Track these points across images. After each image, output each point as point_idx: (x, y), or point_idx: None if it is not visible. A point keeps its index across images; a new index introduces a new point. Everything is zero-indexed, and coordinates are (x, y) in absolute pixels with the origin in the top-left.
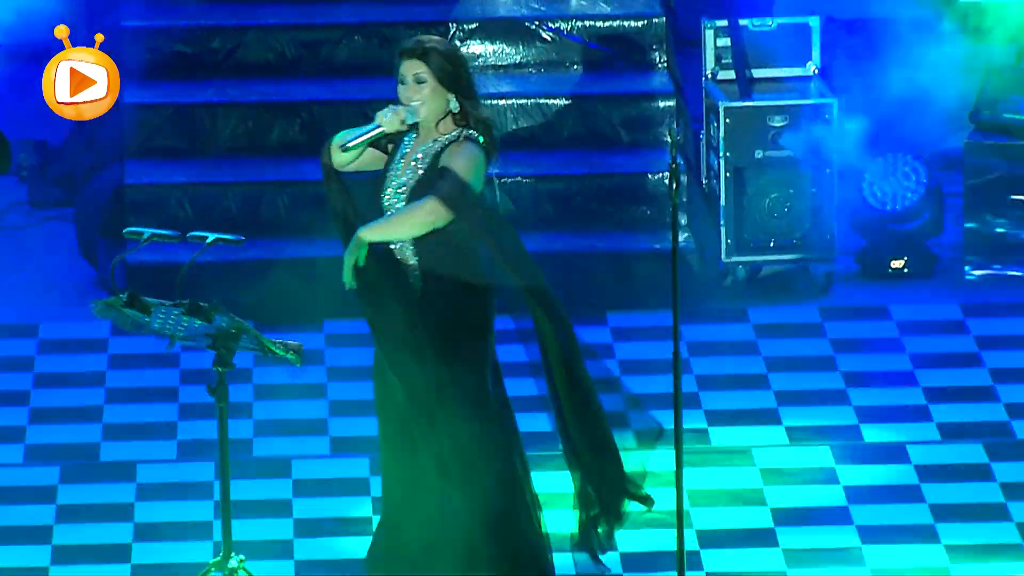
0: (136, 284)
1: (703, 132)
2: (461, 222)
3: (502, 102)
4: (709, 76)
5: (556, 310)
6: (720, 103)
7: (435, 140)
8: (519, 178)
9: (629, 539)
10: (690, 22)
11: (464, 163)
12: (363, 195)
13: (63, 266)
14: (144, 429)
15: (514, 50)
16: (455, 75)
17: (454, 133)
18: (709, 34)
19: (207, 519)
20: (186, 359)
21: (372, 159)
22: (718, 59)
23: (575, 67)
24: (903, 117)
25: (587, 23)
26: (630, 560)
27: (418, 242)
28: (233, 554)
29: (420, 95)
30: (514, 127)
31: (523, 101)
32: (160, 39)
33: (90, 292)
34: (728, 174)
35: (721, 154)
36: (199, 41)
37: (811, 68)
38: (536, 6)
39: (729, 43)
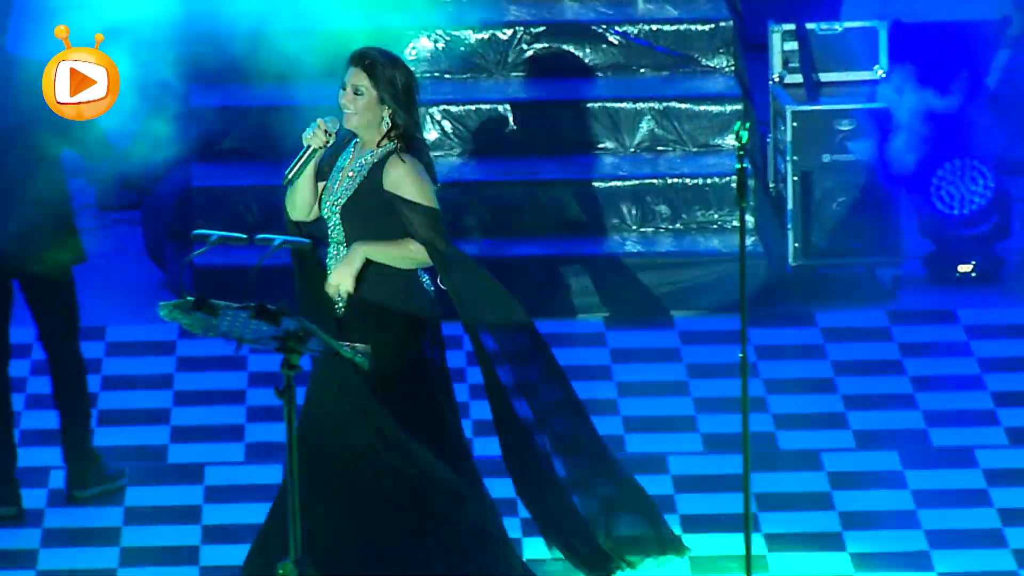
0: (204, 286)
1: (770, 136)
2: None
3: (567, 105)
4: (776, 80)
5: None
6: (787, 107)
7: (371, 152)
8: (587, 182)
9: (696, 542)
10: (757, 26)
11: (416, 189)
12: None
13: (131, 269)
14: (212, 431)
15: (581, 54)
16: (395, 93)
17: (389, 146)
18: (776, 38)
19: None
20: (253, 361)
21: None
22: (785, 63)
23: (642, 71)
24: (971, 121)
25: (654, 27)
26: (698, 563)
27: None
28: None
29: (355, 106)
30: (580, 131)
31: (590, 105)
32: (228, 42)
33: (158, 295)
34: (795, 178)
35: (788, 158)
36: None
37: (878, 72)
38: (603, 10)
39: (796, 47)
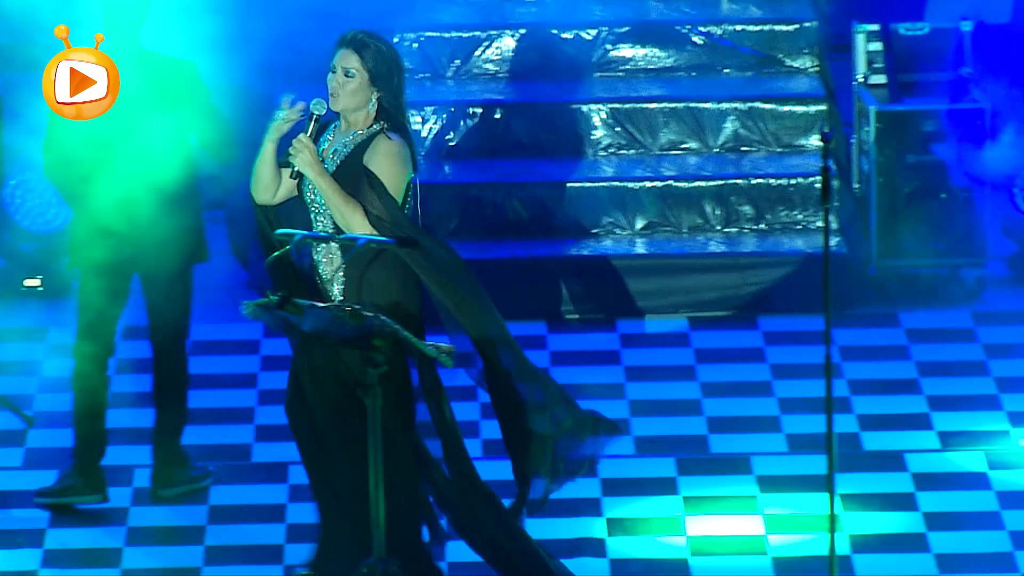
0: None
1: (854, 136)
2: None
3: (653, 105)
4: (860, 80)
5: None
6: (871, 107)
7: (355, 133)
8: (670, 182)
9: (782, 545)
10: (841, 26)
11: (388, 171)
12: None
13: (215, 268)
14: None
15: (665, 54)
16: (387, 77)
17: (375, 127)
18: (860, 38)
19: None
20: None
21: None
22: (869, 63)
23: (726, 71)
24: None
25: (738, 27)
26: (783, 564)
27: (349, 277)
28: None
29: (344, 89)
30: (664, 130)
31: (674, 105)
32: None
33: (242, 294)
34: (880, 179)
35: (872, 158)
36: None
37: (962, 72)
38: (687, 10)
39: (880, 47)
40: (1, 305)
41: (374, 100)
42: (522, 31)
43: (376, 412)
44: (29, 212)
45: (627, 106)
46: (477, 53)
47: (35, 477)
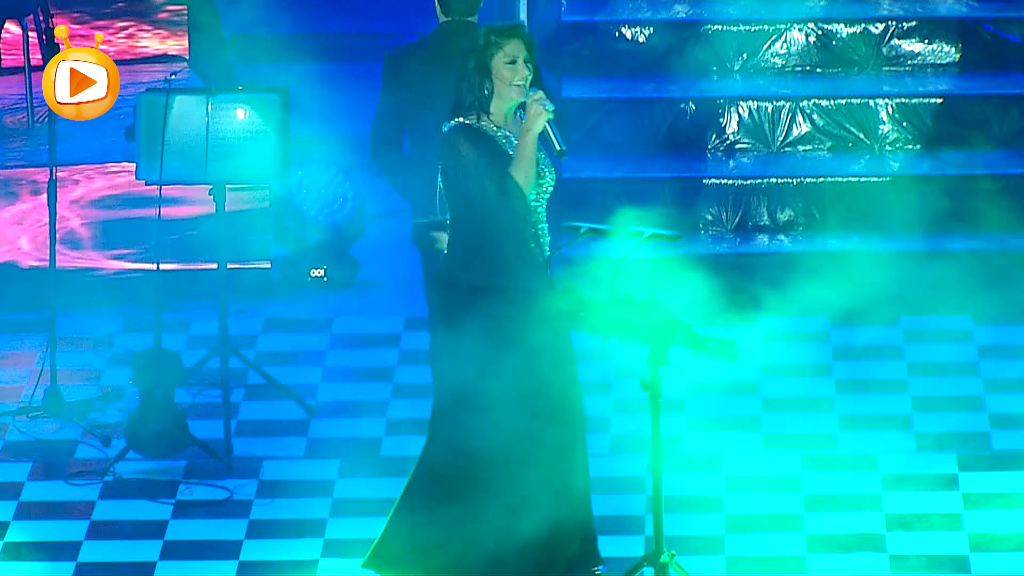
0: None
1: None
2: None
3: (939, 100)
4: None
5: None
6: None
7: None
8: (953, 176)
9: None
10: None
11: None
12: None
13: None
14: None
15: (953, 49)
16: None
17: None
18: None
19: (639, 514)
20: (619, 353)
21: None
22: None
23: (1015, 66)
24: None
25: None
26: (897, 561)
27: None
28: (665, 550)
29: (526, 80)
30: (948, 125)
31: (960, 99)
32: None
33: None
34: None
35: None
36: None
37: None
38: (976, 4)
39: None
40: (286, 295)
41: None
42: (810, 24)
43: (658, 407)
44: (315, 202)
45: (913, 100)
46: (765, 47)
47: (316, 466)
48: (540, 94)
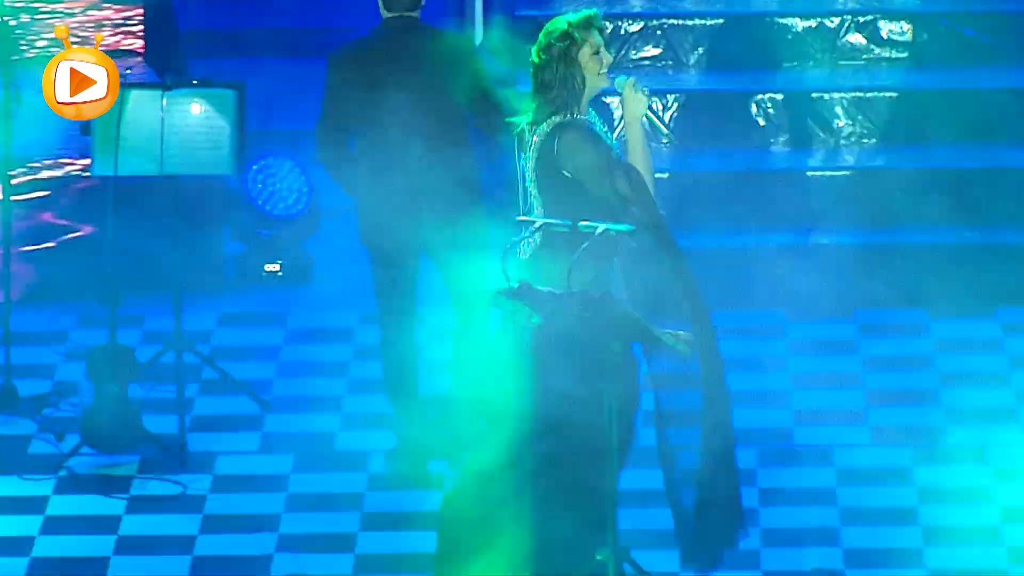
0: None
1: None
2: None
3: (894, 94)
4: None
5: None
6: None
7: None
8: (909, 170)
9: (1016, 534)
10: None
11: None
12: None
13: None
14: None
15: (908, 42)
16: None
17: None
18: None
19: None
20: None
21: None
22: None
23: (970, 60)
24: None
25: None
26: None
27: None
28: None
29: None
30: (904, 119)
31: (915, 93)
32: None
33: None
34: None
35: None
36: None
37: None
38: None
39: None
40: (241, 290)
41: None
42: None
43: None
44: (270, 197)
45: (869, 94)
46: (721, 41)
47: (271, 461)
48: (632, 79)
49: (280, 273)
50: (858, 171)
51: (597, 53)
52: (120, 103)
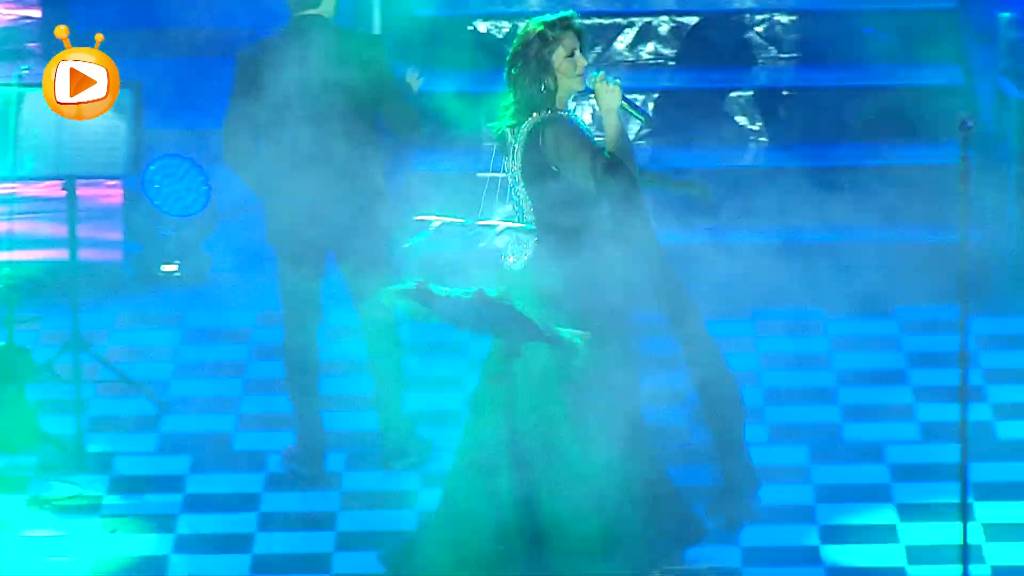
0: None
1: (995, 126)
2: None
3: (791, 93)
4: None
5: None
6: (1013, 96)
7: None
8: (808, 168)
9: (911, 532)
10: (982, 14)
11: None
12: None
13: None
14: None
15: (804, 40)
16: None
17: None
18: (1003, 26)
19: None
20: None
21: None
22: (1012, 52)
23: (868, 58)
24: None
25: (883, 14)
26: (914, 552)
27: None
28: None
29: (585, 66)
30: (801, 117)
31: (813, 91)
32: None
33: None
34: (1021, 168)
35: (1013, 148)
36: None
37: None
38: None
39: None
40: (139, 290)
41: None
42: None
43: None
44: (168, 197)
45: (767, 93)
46: (619, 40)
47: (168, 462)
48: (602, 74)
49: (177, 273)
50: (756, 169)
51: (572, 55)
52: (17, 104)
